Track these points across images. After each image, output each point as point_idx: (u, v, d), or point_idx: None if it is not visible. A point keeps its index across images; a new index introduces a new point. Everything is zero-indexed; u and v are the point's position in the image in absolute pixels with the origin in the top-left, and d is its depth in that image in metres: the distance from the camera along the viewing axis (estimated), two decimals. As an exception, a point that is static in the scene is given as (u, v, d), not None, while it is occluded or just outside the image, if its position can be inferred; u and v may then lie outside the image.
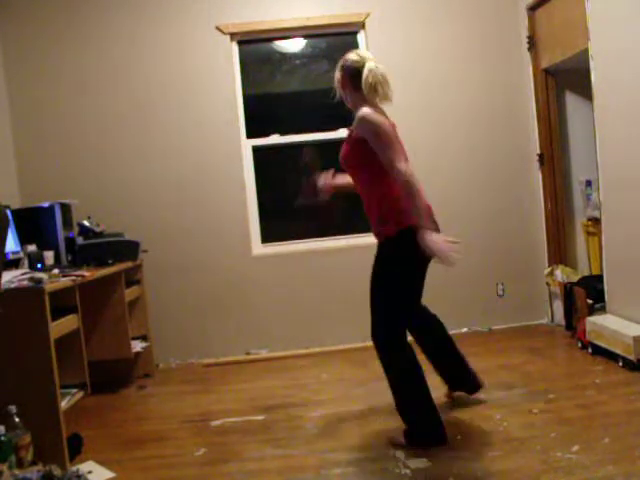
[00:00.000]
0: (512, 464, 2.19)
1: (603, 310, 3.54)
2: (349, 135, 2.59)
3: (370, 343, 4.12)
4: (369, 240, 4.39)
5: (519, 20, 4.30)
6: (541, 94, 4.22)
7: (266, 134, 4.30)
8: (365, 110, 2.47)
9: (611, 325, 3.27)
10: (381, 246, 2.60)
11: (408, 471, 2.22)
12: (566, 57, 3.85)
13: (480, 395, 2.90)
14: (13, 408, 2.31)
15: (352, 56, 2.56)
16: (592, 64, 3.46)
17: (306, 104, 4.49)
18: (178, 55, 4.18)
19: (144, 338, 3.87)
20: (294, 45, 4.47)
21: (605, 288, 3.55)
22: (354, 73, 2.51)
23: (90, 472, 2.40)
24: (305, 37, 4.42)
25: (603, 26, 3.34)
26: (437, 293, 4.33)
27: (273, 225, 4.38)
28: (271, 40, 4.39)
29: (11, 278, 2.57)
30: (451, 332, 4.30)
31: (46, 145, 4.16)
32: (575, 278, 3.96)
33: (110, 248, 3.53)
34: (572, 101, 4.32)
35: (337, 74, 2.60)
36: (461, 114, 4.32)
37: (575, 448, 2.25)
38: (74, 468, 2.39)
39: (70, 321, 2.75)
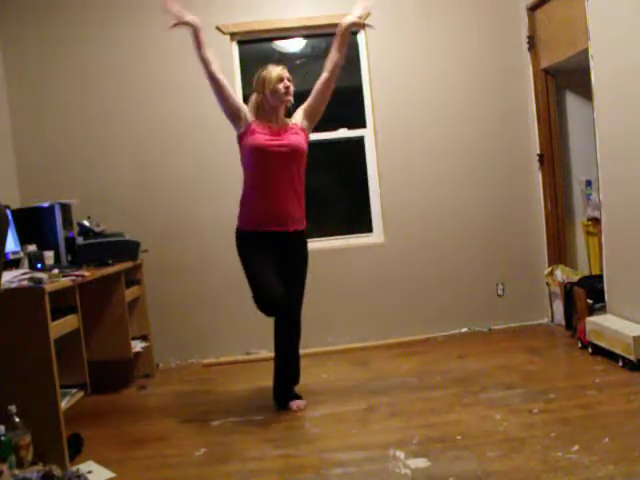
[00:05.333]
0: (512, 464, 2.19)
1: (603, 310, 3.54)
2: (296, 128, 2.99)
3: (370, 343, 4.18)
4: (369, 240, 4.44)
5: (519, 20, 4.30)
6: (541, 94, 4.22)
7: (266, 134, 4.30)
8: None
9: (611, 325, 3.26)
10: (300, 236, 3.01)
11: (408, 471, 2.22)
12: (566, 57, 3.85)
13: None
14: (13, 408, 2.31)
15: None
16: (592, 64, 3.46)
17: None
18: (179, 55, 4.17)
19: (144, 338, 3.87)
20: (294, 45, 4.47)
21: (605, 288, 3.55)
22: None
23: (90, 472, 2.40)
24: (305, 37, 4.42)
25: (603, 26, 3.34)
26: (437, 293, 4.36)
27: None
28: (271, 40, 4.39)
29: (11, 278, 2.57)
30: (451, 332, 4.37)
31: (46, 145, 4.16)
32: (575, 278, 3.96)
33: (110, 248, 3.53)
34: (572, 101, 4.33)
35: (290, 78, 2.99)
36: (461, 114, 4.32)
37: (575, 448, 2.25)
38: (74, 468, 2.39)
39: (70, 321, 2.75)
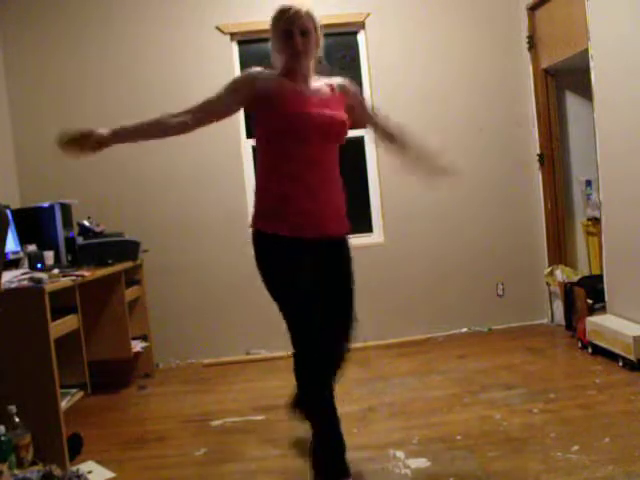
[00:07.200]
0: (512, 464, 2.19)
1: (603, 310, 3.54)
2: (335, 97, 2.17)
3: (370, 343, 4.17)
4: (369, 240, 4.43)
5: (519, 20, 4.30)
6: (541, 94, 4.22)
7: (266, 134, 4.30)
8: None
9: (611, 325, 3.26)
10: (345, 241, 2.36)
11: (408, 471, 2.22)
12: (566, 57, 3.85)
13: None
14: (13, 408, 2.31)
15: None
16: (592, 64, 3.46)
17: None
18: (179, 55, 4.18)
19: (144, 338, 3.86)
20: (294, 45, 4.46)
21: (605, 288, 3.55)
22: None
23: (90, 472, 2.40)
24: (305, 37, 4.42)
25: (603, 26, 3.34)
26: (437, 293, 4.36)
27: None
28: (271, 40, 4.39)
29: (11, 278, 2.57)
30: (451, 332, 4.38)
31: (46, 145, 4.11)
32: (575, 278, 3.96)
33: (110, 248, 3.53)
34: (572, 101, 4.33)
35: (314, 25, 2.19)
36: (460, 114, 4.31)
37: (575, 448, 2.25)
38: (74, 468, 2.39)
39: (70, 321, 2.75)
